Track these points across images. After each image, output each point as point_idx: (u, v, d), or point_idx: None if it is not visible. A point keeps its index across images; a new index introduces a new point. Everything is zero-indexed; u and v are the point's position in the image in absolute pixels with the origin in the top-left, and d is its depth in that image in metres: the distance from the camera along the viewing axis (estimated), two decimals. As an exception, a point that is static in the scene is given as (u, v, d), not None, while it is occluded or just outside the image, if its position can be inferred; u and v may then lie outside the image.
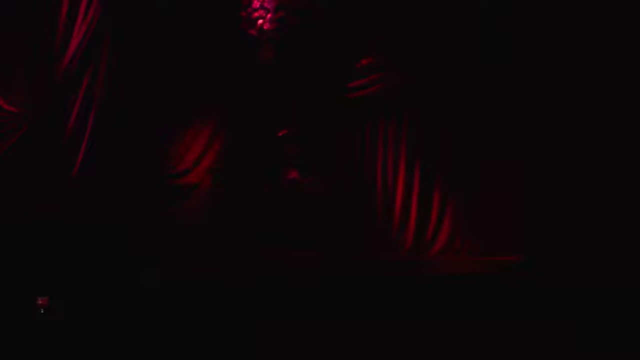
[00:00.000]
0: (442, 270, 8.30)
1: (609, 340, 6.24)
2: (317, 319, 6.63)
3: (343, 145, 8.78)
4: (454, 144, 8.87)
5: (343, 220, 8.74)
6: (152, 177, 8.05)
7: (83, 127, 7.83)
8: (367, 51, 8.64)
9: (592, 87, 8.14)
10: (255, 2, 8.30)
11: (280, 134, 8.39)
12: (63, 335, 6.15)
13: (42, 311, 6.43)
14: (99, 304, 6.54)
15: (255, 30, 8.28)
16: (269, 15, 8.25)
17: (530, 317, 6.75)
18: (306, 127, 8.59)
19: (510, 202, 8.83)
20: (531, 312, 6.84)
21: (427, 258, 8.73)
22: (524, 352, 6.26)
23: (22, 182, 7.56)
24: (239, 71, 8.37)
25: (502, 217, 8.85)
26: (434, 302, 7.09)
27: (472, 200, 8.93)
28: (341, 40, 8.43)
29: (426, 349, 6.36)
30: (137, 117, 7.97)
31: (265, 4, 8.25)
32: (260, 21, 8.24)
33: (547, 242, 8.26)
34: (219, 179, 8.41)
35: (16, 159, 7.61)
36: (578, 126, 8.28)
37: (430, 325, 6.62)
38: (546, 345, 6.27)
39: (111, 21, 7.96)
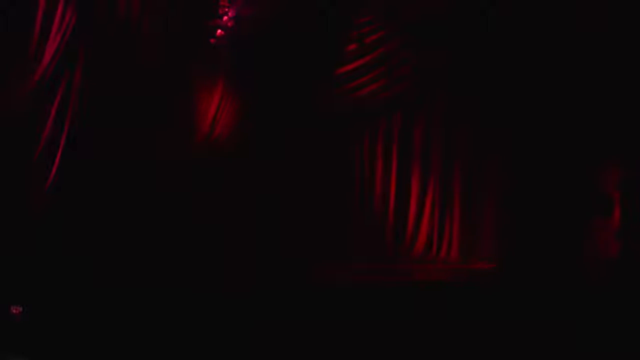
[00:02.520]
0: (418, 278, 8.35)
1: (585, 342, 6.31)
2: (302, 325, 6.65)
3: (320, 150, 8.81)
4: (433, 150, 8.96)
5: (322, 227, 8.78)
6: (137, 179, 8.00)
7: (58, 137, 7.77)
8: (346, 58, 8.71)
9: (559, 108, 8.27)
10: (230, 11, 8.32)
11: None
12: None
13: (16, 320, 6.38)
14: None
15: (228, 39, 8.31)
16: (241, 24, 8.28)
17: (506, 321, 6.79)
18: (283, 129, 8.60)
19: (486, 212, 8.93)
20: (506, 317, 6.88)
21: (404, 265, 8.77)
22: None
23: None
24: (210, 79, 8.38)
25: (477, 227, 8.94)
26: (415, 308, 7.13)
27: (448, 209, 9.01)
28: (318, 47, 8.47)
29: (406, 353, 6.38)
30: (112, 123, 7.93)
31: (241, 13, 8.28)
32: (235, 29, 8.27)
33: (520, 250, 8.34)
34: None
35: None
36: (552, 140, 8.40)
37: (412, 331, 6.65)
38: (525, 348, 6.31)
39: (86, 30, 7.93)
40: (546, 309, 7.03)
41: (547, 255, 8.12)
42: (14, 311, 6.43)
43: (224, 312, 6.84)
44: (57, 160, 7.67)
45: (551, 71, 8.22)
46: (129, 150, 7.90)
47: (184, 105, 8.20)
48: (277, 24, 8.31)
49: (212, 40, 8.26)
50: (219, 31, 8.31)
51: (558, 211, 8.29)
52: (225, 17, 8.26)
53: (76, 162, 7.73)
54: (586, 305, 6.98)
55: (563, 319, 6.83)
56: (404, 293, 7.69)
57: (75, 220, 7.60)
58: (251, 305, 7.01)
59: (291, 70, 8.41)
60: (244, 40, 8.31)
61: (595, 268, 7.83)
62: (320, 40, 8.42)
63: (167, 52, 8.12)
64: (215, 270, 7.81)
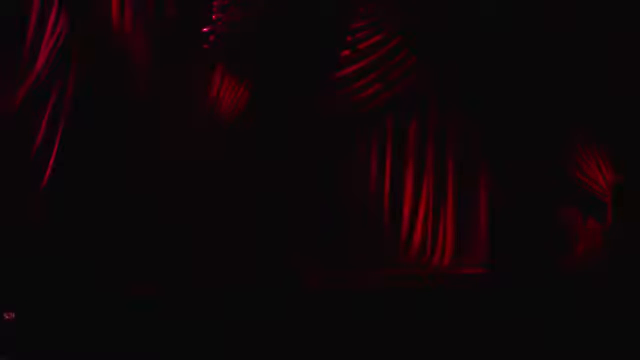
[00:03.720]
0: (411, 283, 8.37)
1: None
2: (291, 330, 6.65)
3: (313, 153, 8.81)
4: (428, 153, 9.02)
5: (313, 231, 8.79)
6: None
7: (51, 142, 7.74)
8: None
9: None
10: (224, 17, 8.34)
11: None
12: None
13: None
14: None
15: (221, 45, 8.32)
16: (234, 29, 8.30)
17: (499, 326, 6.81)
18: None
19: (479, 217, 8.98)
20: (499, 322, 6.91)
21: (398, 270, 8.78)
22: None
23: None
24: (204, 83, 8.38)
25: (467, 233, 9.00)
26: (408, 313, 7.14)
27: (442, 213, 9.05)
28: (313, 50, 8.49)
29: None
30: (106, 127, 7.93)
31: (235, 18, 8.29)
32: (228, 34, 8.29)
33: (514, 255, 8.37)
34: None
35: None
36: (546, 144, 8.47)
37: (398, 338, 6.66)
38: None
39: (79, 34, 7.91)
40: (539, 312, 7.06)
41: (540, 260, 8.16)
42: (7, 317, 6.39)
43: (217, 311, 6.85)
44: (50, 163, 7.65)
45: (548, 75, 8.28)
46: (123, 153, 7.90)
47: (179, 107, 8.18)
48: (270, 28, 8.33)
49: (205, 46, 8.26)
50: (212, 37, 8.32)
51: (550, 215, 8.34)
52: (219, 23, 8.26)
53: (70, 166, 7.72)
54: (578, 308, 7.03)
55: (556, 322, 6.86)
56: (397, 298, 7.71)
57: (70, 222, 7.58)
58: (241, 307, 7.02)
59: (285, 74, 8.42)
60: (237, 45, 8.32)
61: (587, 271, 7.88)
62: (315, 44, 8.44)
63: (161, 56, 8.12)
64: (211, 269, 7.81)
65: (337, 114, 8.79)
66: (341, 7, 8.55)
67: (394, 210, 9.05)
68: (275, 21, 8.33)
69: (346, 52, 8.70)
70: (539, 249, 8.28)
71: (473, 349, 6.44)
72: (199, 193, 8.17)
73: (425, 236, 9.01)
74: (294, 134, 8.56)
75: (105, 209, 7.73)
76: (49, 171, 7.62)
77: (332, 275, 8.59)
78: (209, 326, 6.55)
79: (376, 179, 9.04)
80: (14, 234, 7.26)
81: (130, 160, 7.94)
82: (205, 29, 8.19)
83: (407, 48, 8.80)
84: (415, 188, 9.07)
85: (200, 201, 8.18)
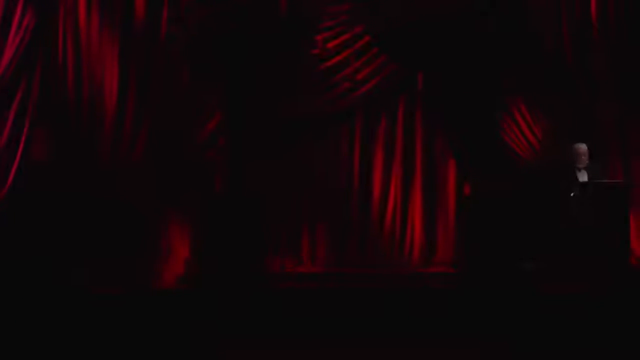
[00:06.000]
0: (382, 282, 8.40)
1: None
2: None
3: (283, 152, 8.81)
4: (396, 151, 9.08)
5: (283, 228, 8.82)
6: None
7: (16, 143, 7.68)
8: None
9: None
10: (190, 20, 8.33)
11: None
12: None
13: None
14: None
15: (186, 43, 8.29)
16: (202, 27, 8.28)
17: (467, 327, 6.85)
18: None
19: (447, 215, 9.04)
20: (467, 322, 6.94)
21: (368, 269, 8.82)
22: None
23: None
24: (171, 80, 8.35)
25: (438, 229, 9.05)
26: (379, 311, 7.16)
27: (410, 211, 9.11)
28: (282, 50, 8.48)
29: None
30: (71, 128, 7.88)
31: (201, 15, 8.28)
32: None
33: (481, 254, 8.41)
34: None
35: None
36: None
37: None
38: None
39: (45, 33, 7.85)
40: (508, 313, 7.09)
41: (507, 259, 8.20)
42: None
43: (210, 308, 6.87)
44: (15, 165, 7.60)
45: (518, 72, 8.35)
46: (88, 155, 7.86)
47: (146, 107, 8.14)
48: (236, 27, 8.31)
49: (173, 45, 8.24)
50: (178, 35, 8.29)
51: (516, 213, 8.38)
52: (185, 22, 8.23)
53: (34, 167, 7.67)
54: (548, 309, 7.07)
55: (524, 323, 6.89)
56: (366, 296, 7.72)
57: (32, 226, 7.54)
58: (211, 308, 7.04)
59: (253, 72, 8.42)
60: (203, 44, 8.29)
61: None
62: (284, 42, 8.44)
63: (126, 55, 8.06)
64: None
65: (306, 112, 8.79)
66: (310, 6, 8.53)
67: (362, 209, 9.07)
68: (242, 20, 8.30)
69: (315, 51, 8.69)
70: (509, 248, 8.32)
71: (443, 350, 6.46)
72: (171, 193, 8.17)
73: (393, 235, 9.04)
74: (263, 131, 8.57)
75: (68, 209, 7.69)
76: (13, 171, 7.58)
77: (304, 272, 8.66)
78: (177, 328, 6.54)
79: (345, 177, 9.06)
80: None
81: (97, 160, 7.91)
82: (172, 28, 8.15)
83: (376, 47, 8.80)
84: (383, 186, 9.10)
85: (172, 201, 8.18)
